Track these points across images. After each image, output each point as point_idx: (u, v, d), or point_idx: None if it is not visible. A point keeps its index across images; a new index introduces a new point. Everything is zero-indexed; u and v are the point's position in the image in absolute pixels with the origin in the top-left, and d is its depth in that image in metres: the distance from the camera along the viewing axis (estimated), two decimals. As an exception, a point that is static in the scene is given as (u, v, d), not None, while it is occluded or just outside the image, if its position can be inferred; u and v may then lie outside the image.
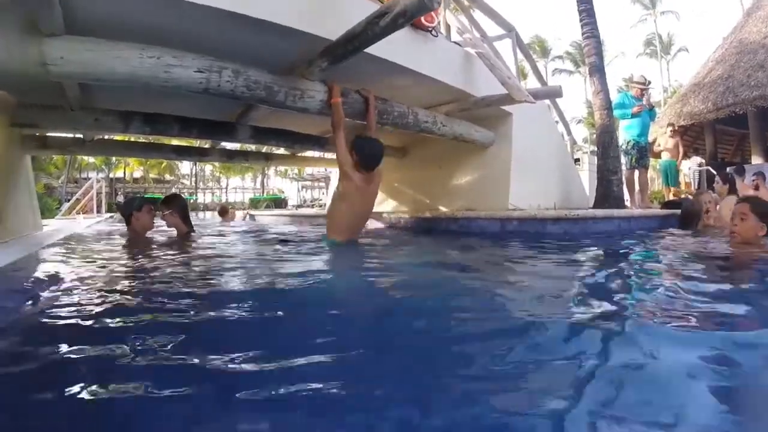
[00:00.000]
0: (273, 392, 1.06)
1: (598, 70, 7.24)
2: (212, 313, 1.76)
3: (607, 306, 1.75)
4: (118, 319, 1.67)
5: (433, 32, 4.33)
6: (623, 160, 7.69)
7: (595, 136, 7.77)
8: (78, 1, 2.56)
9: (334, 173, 9.13)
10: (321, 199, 33.52)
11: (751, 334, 1.45)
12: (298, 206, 29.83)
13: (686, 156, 12.57)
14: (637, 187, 7.98)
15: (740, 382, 1.12)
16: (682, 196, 8.60)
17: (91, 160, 33.89)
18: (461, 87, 4.75)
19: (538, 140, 6.55)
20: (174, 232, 4.58)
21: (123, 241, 4.46)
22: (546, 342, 1.39)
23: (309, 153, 8.45)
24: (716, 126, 13.12)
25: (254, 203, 32.74)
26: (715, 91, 11.64)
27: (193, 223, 4.71)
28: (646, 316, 1.62)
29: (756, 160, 11.62)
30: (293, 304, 1.98)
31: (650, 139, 8.57)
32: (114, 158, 34.95)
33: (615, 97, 7.81)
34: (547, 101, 7.67)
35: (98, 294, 2.08)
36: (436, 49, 4.39)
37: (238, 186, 52.86)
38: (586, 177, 11.50)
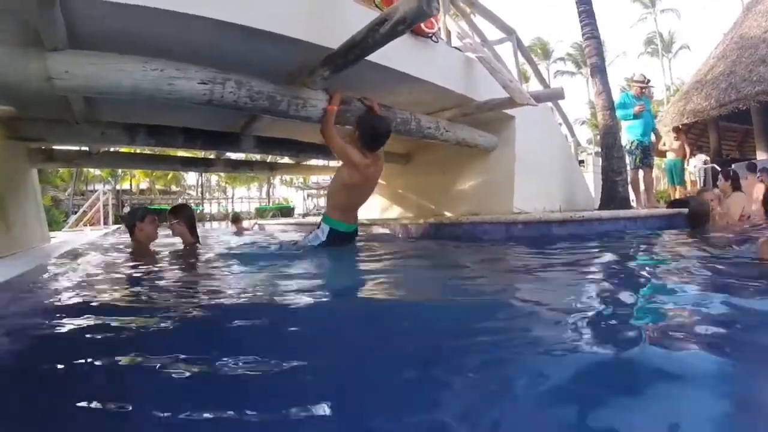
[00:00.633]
0: (282, 401, 1.07)
1: (599, 71, 7.24)
2: (220, 323, 1.77)
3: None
4: (124, 331, 1.68)
5: (434, 38, 4.35)
6: (627, 160, 7.68)
7: (598, 137, 7.77)
8: (81, 16, 2.58)
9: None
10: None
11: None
12: (304, 215, 29.83)
13: (692, 154, 12.54)
14: (642, 186, 7.97)
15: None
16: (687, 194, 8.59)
17: (98, 172, 34.02)
18: (463, 92, 4.75)
19: (541, 143, 6.54)
20: (179, 242, 4.59)
21: (127, 253, 4.47)
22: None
23: (313, 162, 8.50)
24: (720, 123, 13.06)
25: (260, 212, 32.72)
26: (717, 88, 11.62)
27: (201, 234, 4.71)
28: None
29: (761, 155, 11.55)
30: (295, 313, 1.98)
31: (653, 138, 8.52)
32: (120, 170, 35.11)
33: (616, 97, 7.80)
34: (550, 103, 7.66)
35: (104, 306, 2.10)
36: (436, 55, 4.41)
37: (244, 196, 52.97)
38: (591, 178, 11.49)
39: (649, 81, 8.08)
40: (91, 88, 2.81)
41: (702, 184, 11.18)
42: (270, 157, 9.64)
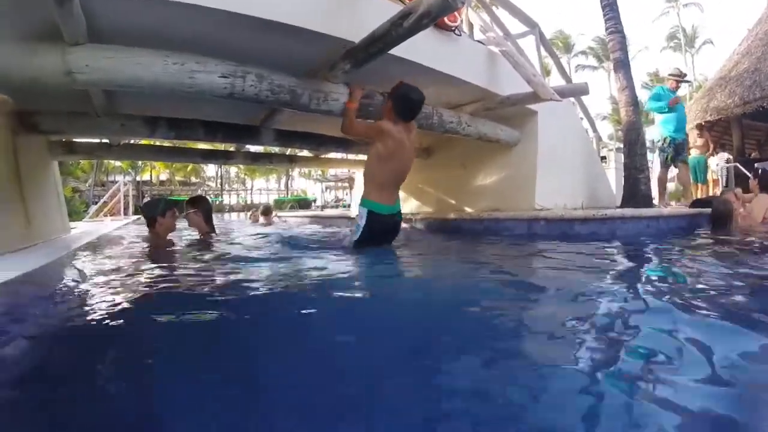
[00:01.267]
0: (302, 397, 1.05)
1: (623, 66, 7.09)
2: (242, 317, 1.76)
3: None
4: (145, 323, 1.68)
5: (456, 31, 4.28)
6: (655, 157, 7.45)
7: (620, 133, 7.62)
8: (100, 11, 2.58)
9: (358, 174, 9.14)
10: (345, 200, 33.58)
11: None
12: (323, 207, 29.91)
13: (714, 152, 12.30)
14: (672, 186, 7.72)
15: None
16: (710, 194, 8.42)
17: (118, 163, 34.43)
18: (486, 86, 4.68)
19: (563, 138, 6.43)
20: (195, 233, 4.65)
21: (146, 244, 4.50)
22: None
23: (332, 154, 8.48)
24: (743, 121, 12.74)
25: (279, 204, 32.89)
26: (741, 85, 11.31)
27: (221, 226, 4.76)
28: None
29: (784, 155, 11.30)
30: (317, 307, 1.95)
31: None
32: (140, 162, 35.50)
33: (640, 92, 7.61)
34: (572, 98, 7.53)
35: (124, 298, 2.10)
36: (459, 48, 4.34)
37: (263, 187, 53.37)
38: (613, 175, 11.31)
39: (685, 75, 7.84)
40: (111, 81, 2.81)
41: (724, 183, 10.97)
42: (289, 149, 9.64)
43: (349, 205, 17.44)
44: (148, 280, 2.65)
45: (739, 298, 1.98)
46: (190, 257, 3.65)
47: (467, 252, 4.16)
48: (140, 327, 1.66)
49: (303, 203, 32.15)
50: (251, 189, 52.47)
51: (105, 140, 6.12)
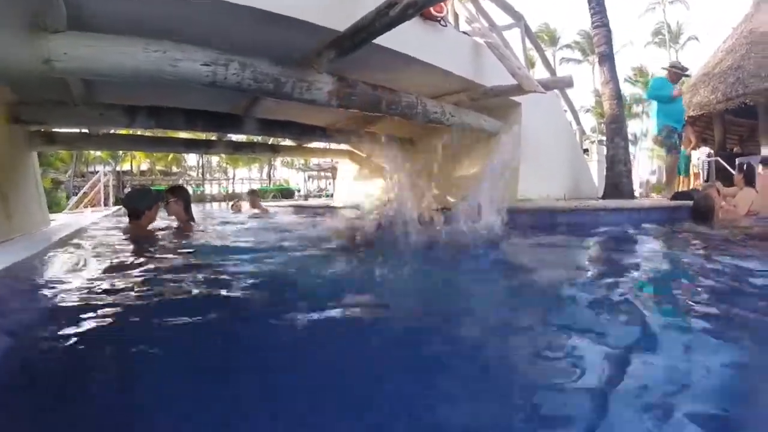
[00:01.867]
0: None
1: (608, 60, 7.15)
2: (230, 310, 1.75)
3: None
4: (127, 319, 1.65)
5: (442, 22, 4.27)
6: (661, 147, 7.30)
7: (603, 125, 7.67)
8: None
9: (341, 163, 9.11)
10: (328, 189, 33.43)
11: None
12: (306, 197, 29.76)
13: (696, 146, 12.44)
14: (653, 179, 7.76)
15: None
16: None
17: (98, 153, 33.90)
18: (470, 77, 4.69)
19: (546, 130, 6.46)
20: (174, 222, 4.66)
21: (126, 234, 4.44)
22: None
23: (315, 144, 8.43)
24: (725, 116, 12.90)
25: (261, 194, 32.59)
26: (725, 82, 11.43)
27: (200, 215, 4.75)
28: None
29: (765, 151, 11.43)
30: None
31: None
32: (120, 152, 35.01)
33: (624, 86, 7.61)
34: (557, 90, 7.56)
35: (106, 292, 2.06)
36: (445, 39, 4.33)
37: (245, 177, 52.90)
38: (595, 167, 11.41)
39: (686, 69, 7.80)
40: (91, 69, 2.74)
41: (705, 177, 11.10)
42: (272, 138, 9.56)
43: (331, 195, 17.33)
44: (131, 274, 2.61)
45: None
46: (171, 248, 3.61)
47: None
48: (123, 322, 1.63)
49: (286, 193, 31.85)
50: (233, 179, 51.99)
51: (85, 130, 6.02)
